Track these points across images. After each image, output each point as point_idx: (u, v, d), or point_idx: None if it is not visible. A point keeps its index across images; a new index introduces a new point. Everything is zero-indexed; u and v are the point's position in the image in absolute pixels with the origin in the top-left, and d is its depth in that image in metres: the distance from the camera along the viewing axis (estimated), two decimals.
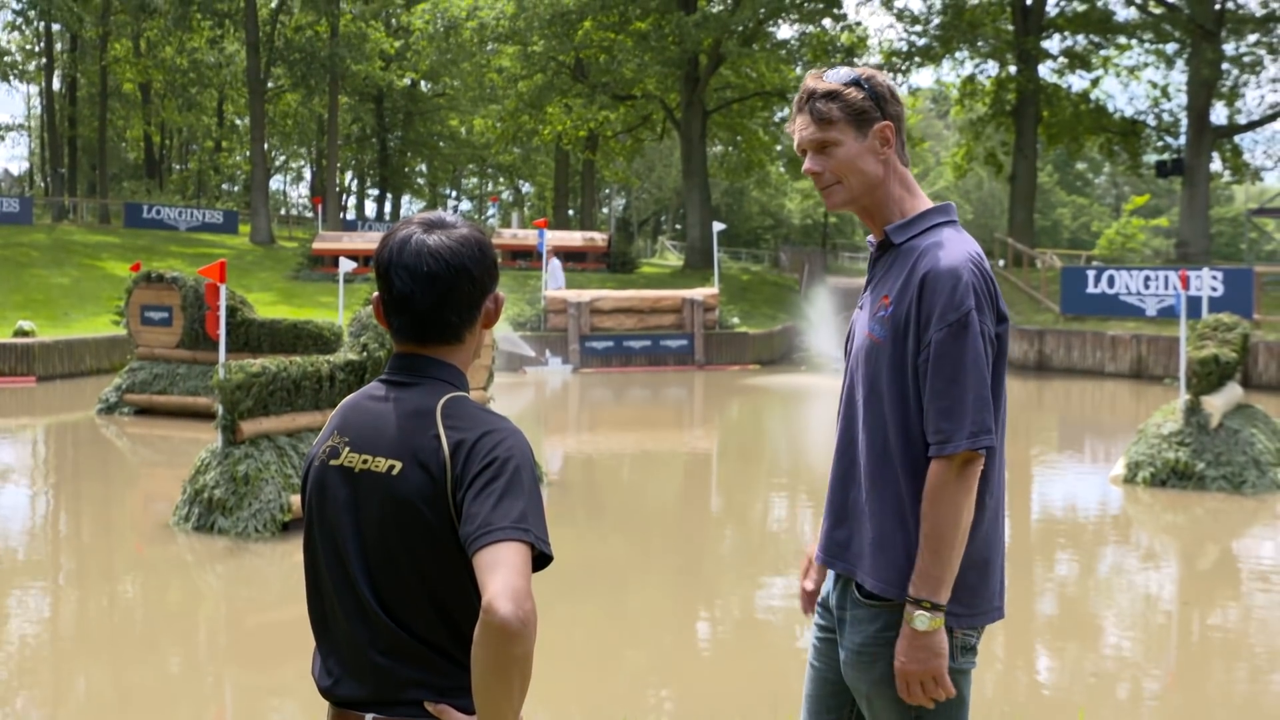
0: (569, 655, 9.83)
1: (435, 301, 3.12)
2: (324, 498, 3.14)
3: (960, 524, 3.74)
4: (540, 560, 2.90)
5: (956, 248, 3.88)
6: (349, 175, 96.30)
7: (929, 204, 4.07)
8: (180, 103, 77.64)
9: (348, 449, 3.13)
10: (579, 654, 9.97)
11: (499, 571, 2.76)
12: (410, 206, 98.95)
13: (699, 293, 38.51)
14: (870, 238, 4.18)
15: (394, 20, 71.39)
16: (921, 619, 3.75)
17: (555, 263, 40.03)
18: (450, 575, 2.98)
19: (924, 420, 3.83)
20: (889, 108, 3.98)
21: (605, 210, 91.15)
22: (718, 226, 41.57)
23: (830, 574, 4.19)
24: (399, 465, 3.01)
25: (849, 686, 4.08)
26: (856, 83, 3.95)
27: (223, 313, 15.43)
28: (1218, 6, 49.50)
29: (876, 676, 3.92)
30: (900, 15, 55.34)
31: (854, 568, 4.00)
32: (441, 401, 3.08)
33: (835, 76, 3.98)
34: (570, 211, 73.04)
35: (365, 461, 3.07)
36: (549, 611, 11.18)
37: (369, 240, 50.41)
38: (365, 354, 14.86)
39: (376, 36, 66.12)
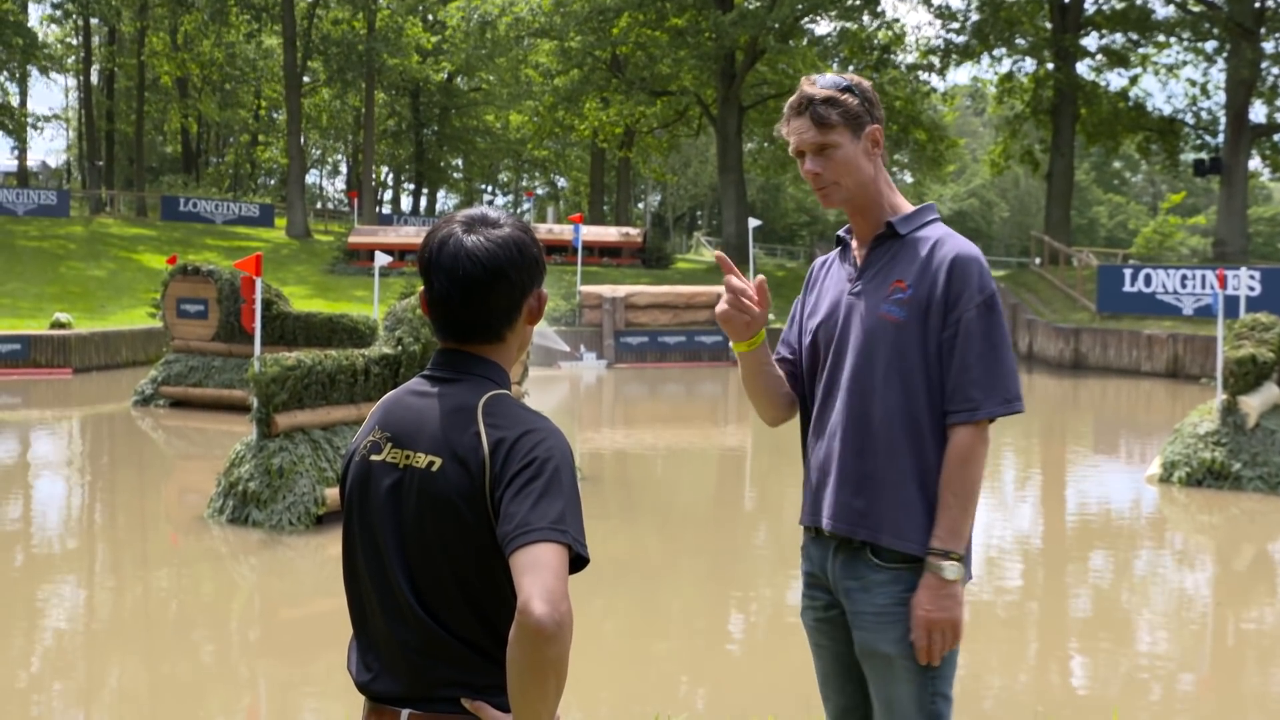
0: (600, 650, 9.82)
1: (473, 304, 3.11)
2: (364, 493, 3.13)
3: (981, 482, 4.14)
4: (577, 562, 2.89)
5: (964, 240, 4.25)
6: (385, 169, 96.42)
7: (907, 202, 4.41)
8: (217, 97, 77.95)
9: (390, 445, 3.12)
10: (610, 649, 9.97)
11: (535, 572, 2.75)
12: (446, 201, 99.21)
13: None
14: (843, 231, 4.49)
15: (430, 15, 71.42)
16: (951, 568, 4.03)
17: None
18: (487, 574, 2.98)
19: (947, 391, 4.13)
20: (876, 112, 4.27)
21: (640, 206, 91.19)
22: (753, 223, 41.53)
23: (826, 548, 4.31)
24: (439, 461, 3.00)
25: (863, 653, 4.21)
26: (850, 89, 4.22)
27: (258, 306, 15.47)
28: (1257, 4, 49.24)
29: (898, 635, 4.11)
30: (939, 12, 55.21)
31: (877, 533, 4.15)
32: (483, 399, 3.06)
33: (829, 83, 4.24)
34: (605, 207, 73.06)
35: (406, 457, 3.06)
36: (581, 606, 11.17)
37: (404, 235, 50.52)
38: (400, 348, 14.88)
39: (413, 31, 66.15)
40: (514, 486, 2.89)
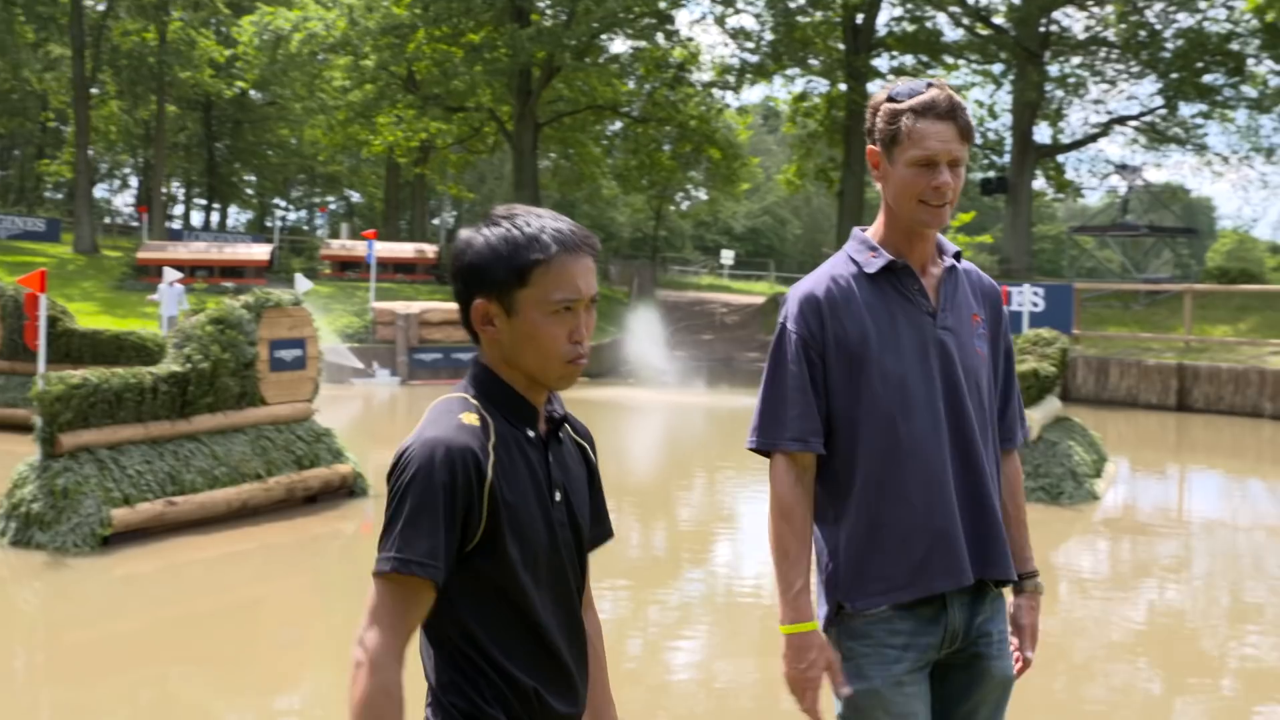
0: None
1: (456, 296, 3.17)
2: None
3: None
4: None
5: None
6: (176, 184, 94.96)
7: None
8: (1, 107, 76.15)
9: None
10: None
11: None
12: (238, 217, 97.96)
13: None
14: (875, 257, 4.06)
15: (224, 28, 70.50)
16: (1040, 584, 4.27)
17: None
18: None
19: (1003, 416, 4.26)
20: None
21: (436, 222, 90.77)
22: None
23: (953, 604, 4.01)
24: None
25: (1001, 682, 4.17)
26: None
27: (43, 323, 15.20)
28: (1042, 29, 50.55)
29: (1010, 655, 4.20)
30: (734, 33, 55.79)
31: (1005, 569, 4.09)
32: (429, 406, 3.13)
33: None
34: (402, 224, 72.65)
35: None
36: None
37: (195, 250, 49.89)
38: (189, 365, 14.69)
39: (205, 44, 65.25)
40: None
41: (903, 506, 3.93)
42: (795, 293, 4.09)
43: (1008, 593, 4.21)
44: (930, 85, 3.95)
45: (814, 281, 4.09)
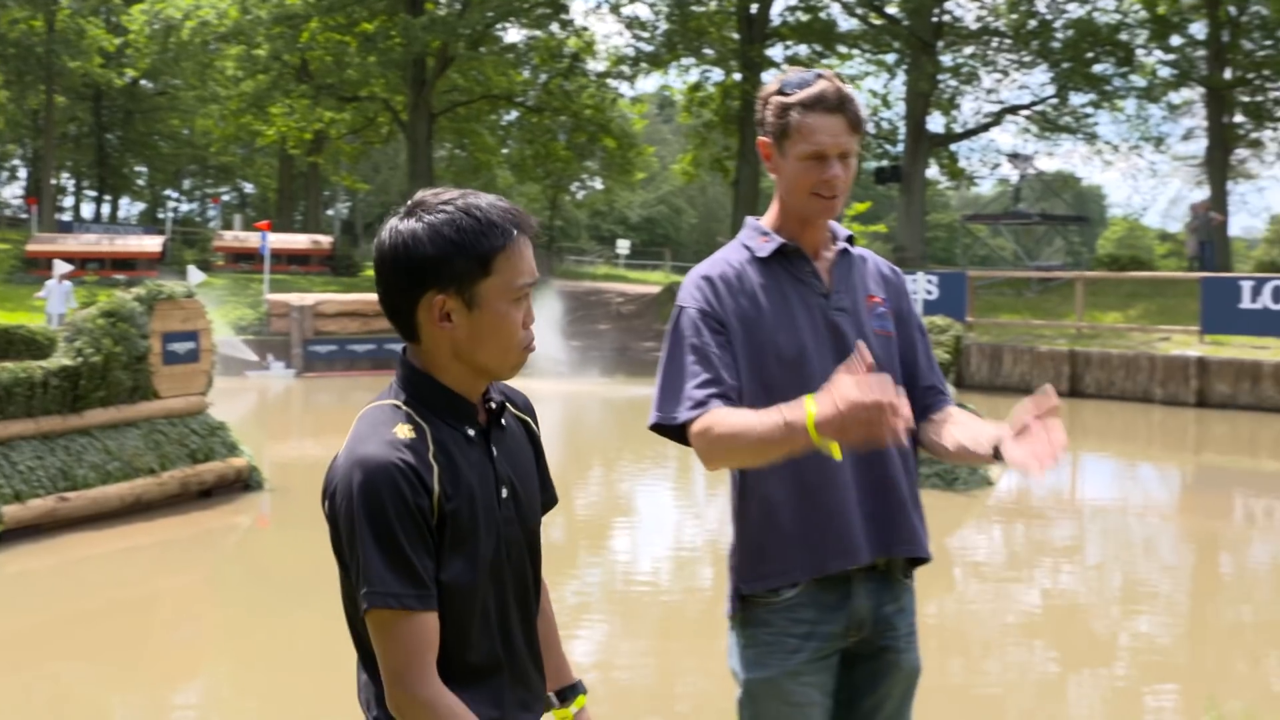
0: (292, 661, 9.75)
1: (381, 291, 2.96)
2: None
3: None
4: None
5: None
6: (66, 175, 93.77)
7: None
8: None
9: None
10: (302, 660, 9.89)
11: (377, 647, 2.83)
12: (130, 208, 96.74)
13: None
14: (768, 241, 4.07)
15: (114, 17, 69.66)
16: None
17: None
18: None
19: (925, 386, 4.19)
20: None
21: (330, 213, 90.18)
22: None
23: (860, 585, 4.00)
24: None
25: (910, 674, 4.15)
26: None
27: None
28: (935, 19, 50.88)
29: (918, 647, 4.20)
30: (629, 22, 55.74)
31: (911, 546, 4.08)
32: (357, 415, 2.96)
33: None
34: (297, 215, 72.16)
35: None
36: (272, 619, 11.07)
37: (86, 242, 49.28)
38: (80, 359, 14.52)
39: (95, 33, 64.46)
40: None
41: (796, 486, 3.89)
42: (690, 277, 4.07)
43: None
44: (819, 77, 3.93)
45: (708, 265, 4.09)
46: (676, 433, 3.84)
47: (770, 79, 4.12)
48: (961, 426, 3.97)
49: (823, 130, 3.86)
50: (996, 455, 3.63)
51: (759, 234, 4.12)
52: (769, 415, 3.53)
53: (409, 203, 2.92)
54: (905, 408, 3.20)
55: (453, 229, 2.83)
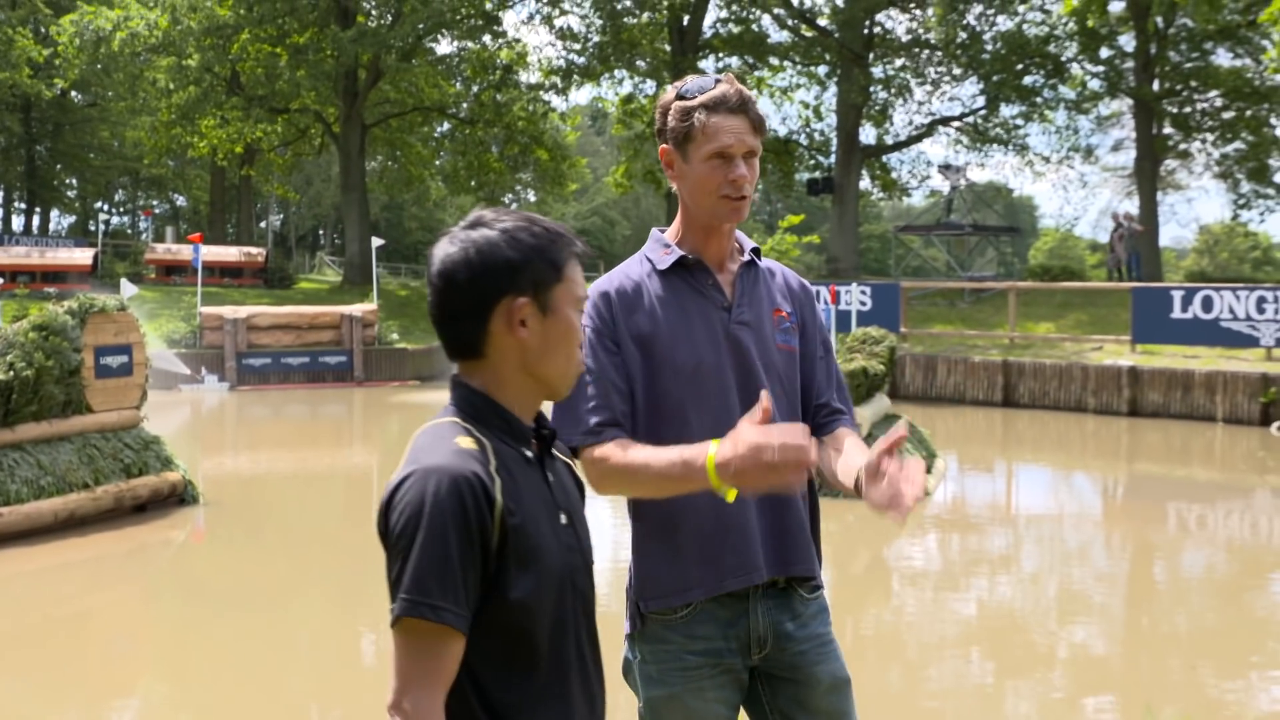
0: (229, 676, 9.70)
1: (434, 315, 2.91)
2: None
3: None
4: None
5: None
6: None
7: None
8: None
9: None
10: (239, 675, 9.84)
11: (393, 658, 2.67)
12: (60, 221, 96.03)
13: (358, 309, 38.21)
14: (669, 254, 4.08)
15: (43, 28, 69.15)
16: None
17: None
18: None
19: (819, 403, 4.18)
20: None
21: (263, 225, 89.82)
22: (376, 242, 41.25)
23: (754, 602, 3.99)
24: None
25: (836, 684, 4.08)
26: None
27: None
28: (866, 31, 51.20)
29: (840, 656, 4.15)
30: (561, 33, 55.72)
31: (805, 566, 4.05)
32: (416, 434, 2.88)
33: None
34: (229, 227, 71.78)
35: None
36: (207, 634, 11.01)
37: (15, 255, 48.80)
38: (11, 374, 14.40)
39: (23, 44, 63.95)
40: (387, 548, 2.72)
41: (693, 502, 3.80)
42: (590, 292, 4.00)
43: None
44: (719, 81, 3.95)
45: (607, 280, 4.08)
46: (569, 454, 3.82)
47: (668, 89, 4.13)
48: (840, 455, 3.98)
49: (727, 130, 3.88)
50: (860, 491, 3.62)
51: (661, 246, 4.13)
52: (668, 454, 3.57)
53: (469, 218, 2.92)
54: (811, 453, 3.17)
55: (528, 234, 2.85)
